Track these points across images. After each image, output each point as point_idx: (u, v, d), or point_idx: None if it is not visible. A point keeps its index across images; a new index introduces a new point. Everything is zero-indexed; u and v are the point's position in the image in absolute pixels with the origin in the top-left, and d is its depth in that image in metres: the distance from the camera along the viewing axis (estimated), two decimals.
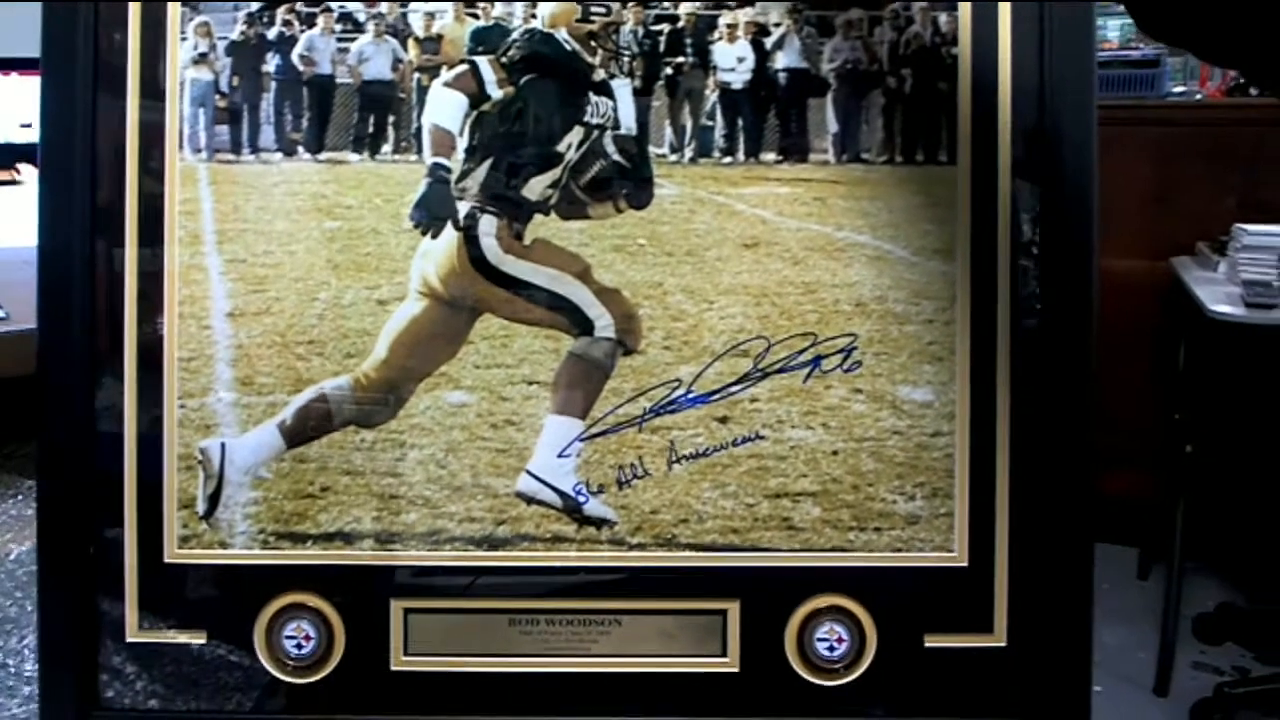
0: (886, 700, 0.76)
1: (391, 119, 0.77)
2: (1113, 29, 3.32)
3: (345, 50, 0.77)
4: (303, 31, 0.77)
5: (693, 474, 0.75)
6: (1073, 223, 0.75)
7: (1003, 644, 0.75)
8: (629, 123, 0.76)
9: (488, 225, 0.75)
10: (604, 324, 0.75)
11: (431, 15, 0.76)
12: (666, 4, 0.76)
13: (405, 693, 0.76)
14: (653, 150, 0.76)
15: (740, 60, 0.77)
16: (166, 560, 0.75)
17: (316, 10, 0.77)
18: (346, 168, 0.77)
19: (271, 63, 0.77)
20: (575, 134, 0.75)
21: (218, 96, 0.76)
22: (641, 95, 0.76)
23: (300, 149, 0.77)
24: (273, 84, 0.77)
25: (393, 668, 0.76)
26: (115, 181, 0.75)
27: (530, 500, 0.75)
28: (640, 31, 0.76)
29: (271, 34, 0.77)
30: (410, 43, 0.76)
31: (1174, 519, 2.48)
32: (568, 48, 0.75)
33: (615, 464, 0.75)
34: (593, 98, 0.75)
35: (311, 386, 0.75)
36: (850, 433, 0.75)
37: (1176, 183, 2.93)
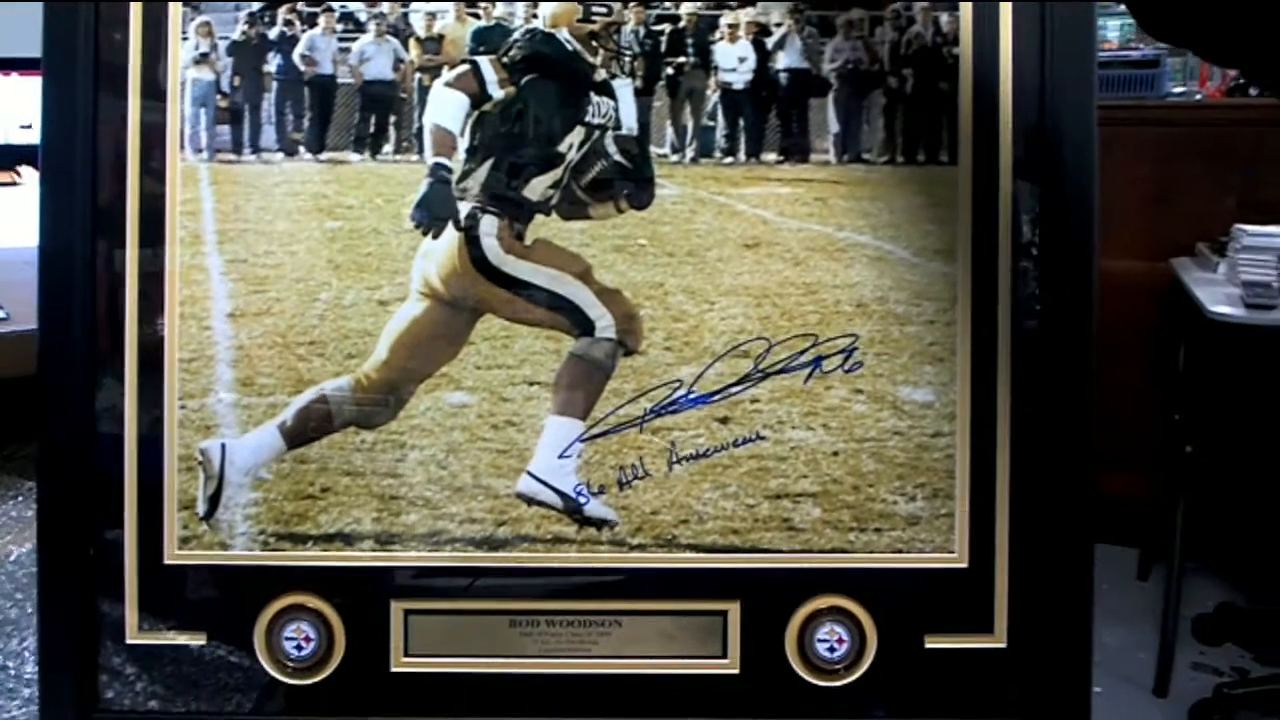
0: (887, 701, 0.76)
1: (393, 119, 0.77)
2: (1113, 29, 3.32)
3: (346, 50, 0.77)
4: (304, 31, 0.77)
5: (693, 475, 0.75)
6: (1073, 223, 0.75)
7: (1003, 645, 0.75)
8: (630, 123, 0.76)
9: (489, 225, 0.75)
10: (605, 324, 0.75)
11: (433, 15, 0.76)
12: (668, 4, 0.76)
13: (406, 694, 0.76)
14: (654, 150, 0.76)
15: (741, 60, 0.77)
16: (166, 561, 0.75)
17: (318, 10, 0.77)
18: (348, 168, 0.77)
19: (273, 62, 0.77)
20: (576, 134, 0.75)
21: (219, 96, 0.76)
22: (643, 95, 0.76)
23: (301, 149, 0.77)
24: (274, 84, 0.77)
25: (393, 669, 0.76)
26: (116, 182, 0.75)
27: (531, 501, 0.75)
28: (641, 31, 0.76)
29: (273, 34, 0.77)
30: (411, 43, 0.76)
31: (1174, 519, 2.48)
32: (569, 48, 0.75)
33: (616, 465, 0.75)
34: (594, 98, 0.75)
35: (312, 387, 0.75)
36: (851, 433, 0.75)
37: (1176, 183, 2.93)
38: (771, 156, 0.77)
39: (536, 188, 0.76)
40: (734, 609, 0.75)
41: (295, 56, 0.77)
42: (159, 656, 0.76)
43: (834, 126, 0.77)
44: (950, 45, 0.75)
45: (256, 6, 0.76)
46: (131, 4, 0.75)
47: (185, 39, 0.75)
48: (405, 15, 0.77)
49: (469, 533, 0.75)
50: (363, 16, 0.77)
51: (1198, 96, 3.22)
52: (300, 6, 0.77)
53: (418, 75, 0.76)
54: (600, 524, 0.75)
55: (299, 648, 0.75)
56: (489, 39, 0.75)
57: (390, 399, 0.75)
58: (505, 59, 0.75)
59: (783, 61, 0.77)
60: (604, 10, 0.75)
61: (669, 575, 0.75)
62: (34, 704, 0.76)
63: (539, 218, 0.76)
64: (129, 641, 0.76)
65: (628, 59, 0.76)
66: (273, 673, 0.76)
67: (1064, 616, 0.75)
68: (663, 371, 0.75)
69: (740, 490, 0.75)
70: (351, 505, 0.75)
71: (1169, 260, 2.75)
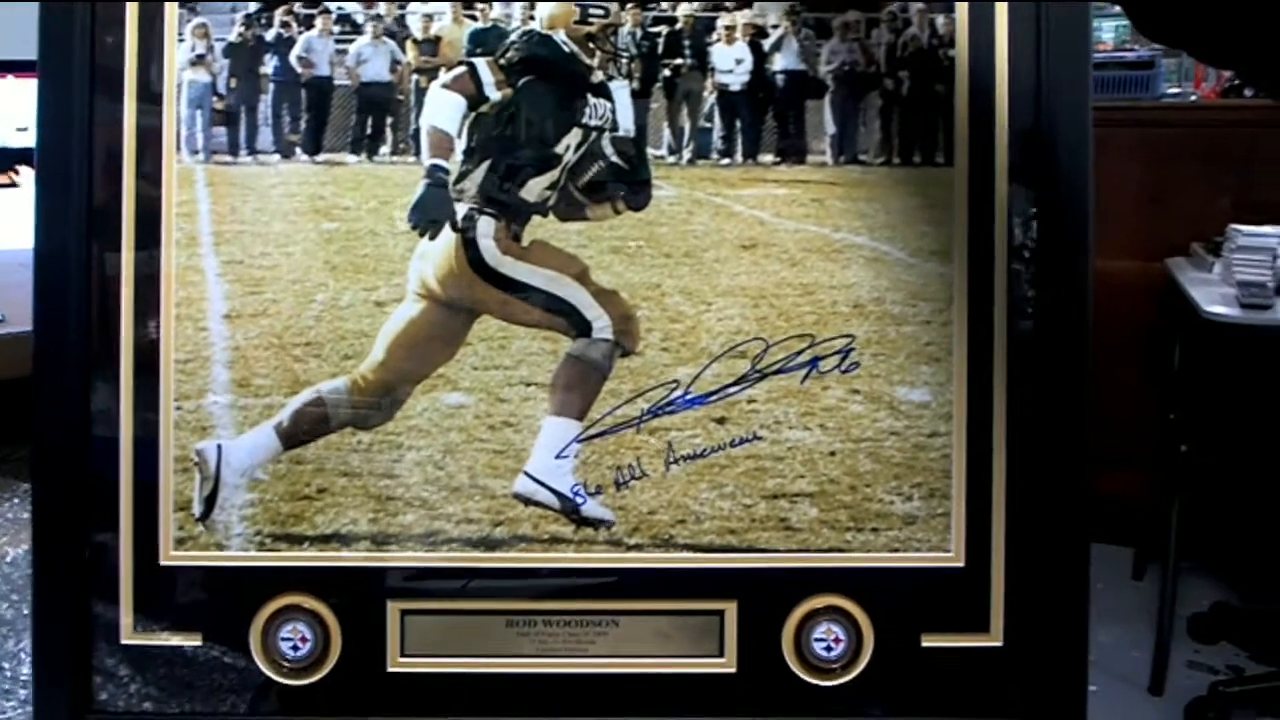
0: (883, 700, 0.76)
1: (389, 120, 0.77)
2: (1107, 30, 3.33)
3: (343, 52, 0.77)
4: (301, 33, 0.77)
5: (690, 475, 0.75)
6: (1068, 224, 0.75)
7: (999, 644, 0.75)
8: (627, 124, 0.76)
9: (486, 227, 0.75)
10: (602, 325, 0.75)
11: (429, 17, 0.76)
12: (665, 6, 0.76)
13: (402, 694, 0.76)
14: (651, 152, 0.76)
15: (738, 62, 0.77)
16: (162, 563, 0.75)
17: (314, 12, 0.77)
18: (344, 169, 0.77)
19: (269, 64, 0.77)
20: (573, 136, 0.75)
21: (215, 98, 0.76)
22: (640, 97, 0.76)
23: (298, 150, 0.77)
24: (270, 85, 0.77)
25: (389, 669, 0.76)
26: (112, 183, 0.75)
27: (528, 501, 0.75)
28: (638, 33, 0.76)
29: (269, 35, 0.77)
30: (408, 44, 0.76)
31: (1169, 519, 2.48)
32: (566, 49, 0.75)
33: (613, 465, 0.75)
34: (591, 99, 0.75)
35: (309, 388, 0.75)
36: (848, 433, 0.75)
37: (1171, 184, 2.93)
38: (768, 158, 0.78)
39: (533, 189, 0.76)
40: (731, 609, 0.75)
41: (292, 58, 0.77)
42: (154, 657, 0.76)
43: (830, 128, 0.77)
44: (946, 47, 0.75)
45: (253, 8, 0.76)
46: (127, 5, 0.75)
47: (181, 40, 0.75)
48: (402, 17, 0.77)
49: (466, 533, 0.75)
50: (360, 18, 0.77)
51: (1193, 98, 3.23)
52: (297, 8, 0.77)
53: (415, 77, 0.76)
54: (597, 524, 0.75)
55: (295, 648, 0.75)
56: (486, 41, 0.75)
57: (387, 400, 0.75)
58: (502, 61, 0.75)
59: (779, 63, 0.77)
60: (601, 12, 0.75)
61: (666, 575, 0.75)
62: (29, 705, 0.76)
63: (536, 219, 0.76)
64: (124, 642, 0.76)
65: (625, 61, 0.76)
66: (268, 673, 0.76)
67: (1060, 615, 0.75)
68: (660, 372, 0.75)
69: (737, 490, 0.75)
70: (348, 506, 0.75)
71: (1164, 260, 2.76)
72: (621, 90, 0.76)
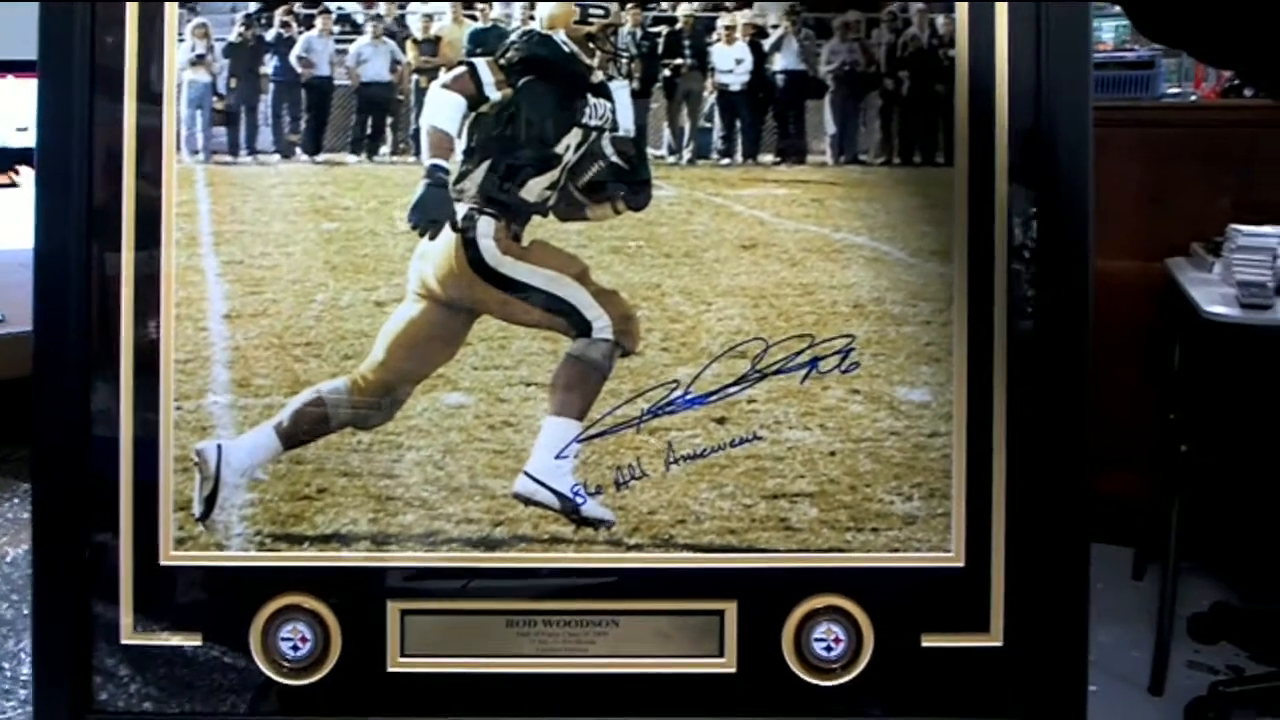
0: (884, 700, 0.76)
1: (389, 120, 0.77)
2: (1108, 30, 3.33)
3: (343, 52, 0.77)
4: (301, 33, 0.77)
5: (690, 475, 0.75)
6: (1069, 224, 0.75)
7: (999, 644, 0.75)
8: (627, 124, 0.76)
9: (486, 227, 0.75)
10: (602, 325, 0.75)
11: (430, 17, 0.76)
12: (665, 6, 0.76)
13: (402, 694, 0.76)
14: (651, 152, 0.76)
15: (738, 62, 0.77)
16: (162, 563, 0.75)
17: (314, 12, 0.77)
18: (344, 169, 0.77)
19: (269, 64, 0.77)
20: (573, 136, 0.75)
21: (215, 98, 0.76)
22: (640, 97, 0.76)
23: (298, 150, 0.77)
24: (270, 85, 0.77)
25: (389, 669, 0.76)
26: (112, 183, 0.75)
27: (528, 501, 0.75)
28: (638, 33, 0.76)
29: (269, 35, 0.77)
30: (408, 44, 0.76)
31: (1169, 519, 2.48)
32: (566, 49, 0.75)
33: (613, 465, 0.75)
34: (591, 99, 0.75)
35: (309, 388, 0.75)
36: (848, 433, 0.75)
37: (1171, 184, 2.93)
38: (768, 158, 0.78)
39: (534, 189, 0.76)
40: (731, 609, 0.75)
41: (292, 58, 0.77)
42: (154, 657, 0.76)
43: (831, 128, 0.77)
44: (946, 47, 0.75)
45: (253, 8, 0.76)
46: (127, 5, 0.75)
47: (181, 40, 0.75)
48: (402, 17, 0.77)
49: (466, 533, 0.75)
50: (360, 18, 0.77)
51: (1193, 97, 3.23)
52: (297, 8, 0.77)
53: (415, 77, 0.76)
54: (597, 524, 0.75)
55: (295, 648, 0.75)
56: (486, 41, 0.75)
57: (387, 400, 0.75)
58: (502, 61, 0.75)
59: (779, 63, 0.77)
60: (601, 12, 0.75)
61: (666, 575, 0.75)
62: (30, 705, 0.76)
63: (536, 219, 0.76)
64: (124, 642, 0.76)
65: (625, 61, 0.76)
66: (268, 673, 0.76)
67: (1060, 615, 0.75)
68: (660, 372, 0.75)
69: (737, 490, 0.75)
70: (348, 506, 0.75)
71: (1164, 260, 2.76)
72: (621, 90, 0.76)
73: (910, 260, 0.76)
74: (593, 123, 0.75)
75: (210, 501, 0.75)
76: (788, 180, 0.77)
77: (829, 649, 0.75)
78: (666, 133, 0.77)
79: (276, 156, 0.76)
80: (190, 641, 0.76)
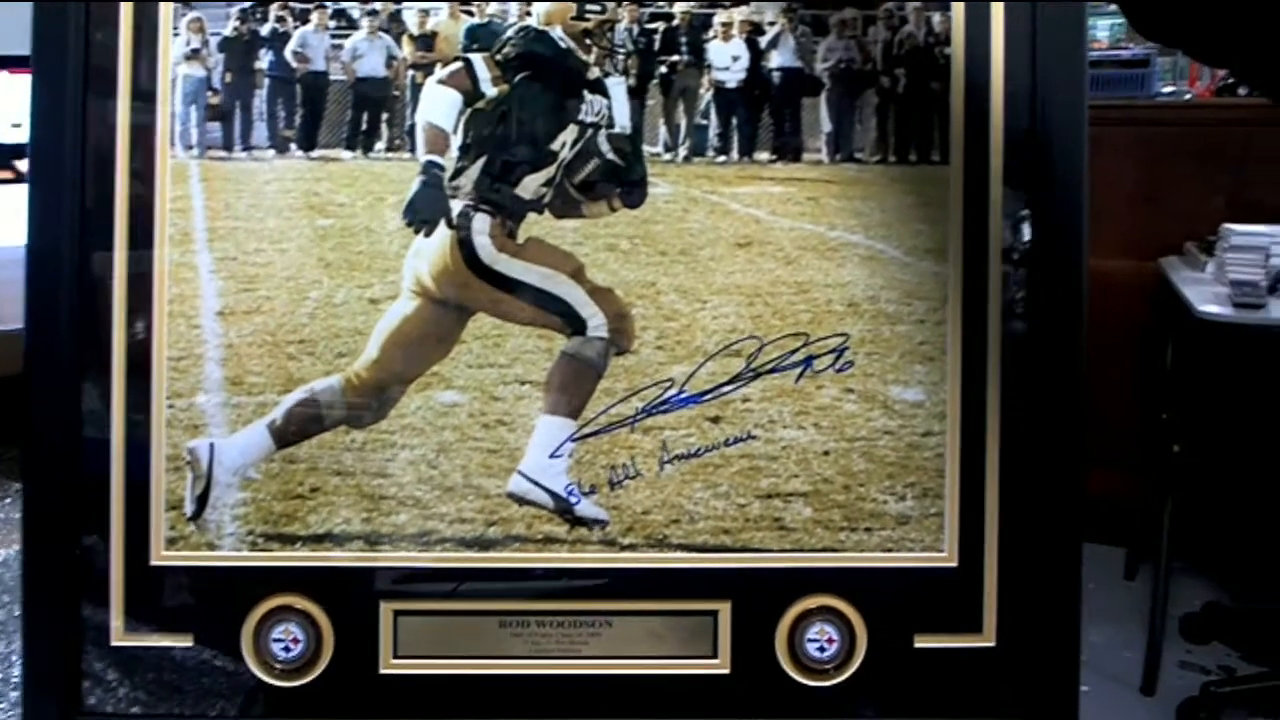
0: (876, 701, 0.76)
1: (385, 116, 0.77)
2: (1103, 28, 3.33)
3: (339, 47, 0.77)
4: (296, 28, 0.76)
5: (684, 474, 0.75)
6: (1063, 223, 0.75)
7: (992, 644, 0.75)
8: (623, 121, 0.75)
9: (481, 224, 0.75)
10: (597, 323, 0.75)
11: (426, 12, 0.76)
12: (661, 2, 0.76)
13: (394, 696, 0.75)
14: (647, 149, 0.76)
15: (735, 59, 0.77)
16: (153, 563, 0.75)
17: (310, 6, 0.76)
18: (339, 165, 0.77)
19: (264, 59, 0.76)
20: (570, 132, 0.75)
21: (209, 93, 0.76)
22: (636, 94, 0.76)
23: (293, 146, 0.76)
24: (265, 81, 0.76)
25: (382, 671, 0.75)
26: (105, 179, 0.74)
27: (522, 501, 0.75)
28: (635, 30, 0.75)
29: (264, 30, 0.76)
30: (404, 40, 0.76)
31: (1161, 519, 2.48)
32: (562, 46, 0.75)
33: (607, 464, 0.75)
34: (587, 96, 0.75)
35: (302, 386, 0.75)
36: (842, 433, 0.75)
37: (1165, 182, 2.94)
38: (764, 155, 0.77)
39: (529, 186, 0.75)
40: (724, 609, 0.75)
41: (287, 53, 0.76)
42: (144, 659, 0.75)
43: (826, 126, 0.77)
44: (942, 45, 0.75)
45: (248, 3, 0.76)
46: (122, 1, 0.74)
47: (176, 35, 0.75)
48: (398, 12, 0.76)
49: (459, 533, 0.74)
50: (355, 13, 0.77)
51: (1187, 96, 3.23)
52: (292, 3, 0.76)
53: (410, 72, 0.76)
54: (591, 524, 0.75)
55: (287, 649, 0.75)
56: (482, 36, 0.75)
57: (381, 398, 0.75)
58: (498, 57, 0.75)
59: (776, 60, 0.77)
60: (597, 8, 0.75)
61: (659, 575, 0.75)
62: (20, 708, 0.76)
63: (531, 216, 0.75)
64: (114, 644, 0.75)
65: (621, 57, 0.75)
66: (260, 675, 0.75)
67: (1052, 615, 0.75)
68: (654, 371, 0.75)
69: (731, 490, 0.75)
70: (341, 505, 0.75)
71: (1158, 259, 2.76)
72: (618, 87, 0.75)
73: (905, 259, 0.76)
74: (589, 120, 0.75)
75: (202, 500, 0.75)
76: (783, 178, 0.77)
77: (822, 650, 0.75)
78: (663, 130, 0.77)
79: (271, 152, 0.76)
80: (181, 643, 0.75)
